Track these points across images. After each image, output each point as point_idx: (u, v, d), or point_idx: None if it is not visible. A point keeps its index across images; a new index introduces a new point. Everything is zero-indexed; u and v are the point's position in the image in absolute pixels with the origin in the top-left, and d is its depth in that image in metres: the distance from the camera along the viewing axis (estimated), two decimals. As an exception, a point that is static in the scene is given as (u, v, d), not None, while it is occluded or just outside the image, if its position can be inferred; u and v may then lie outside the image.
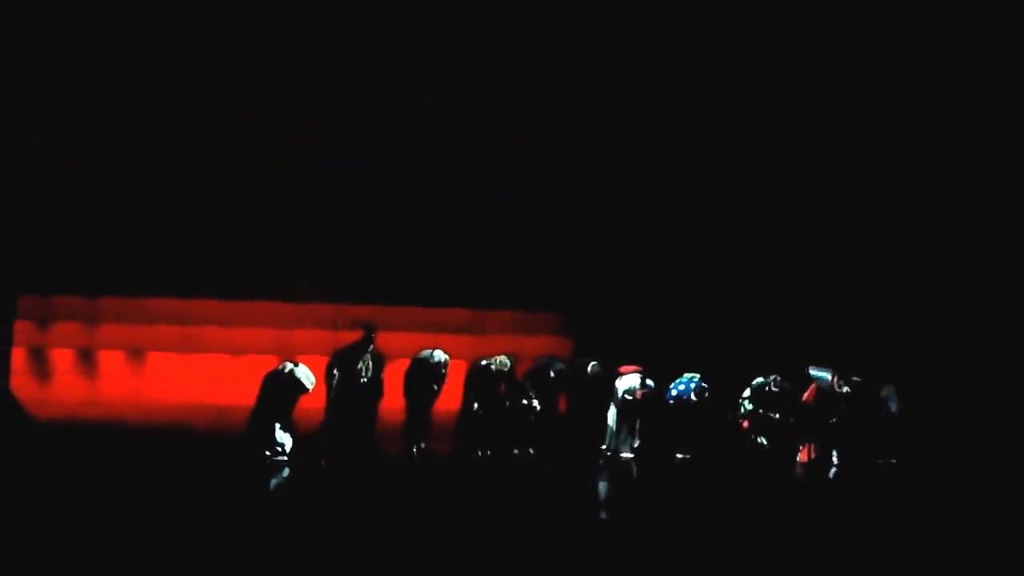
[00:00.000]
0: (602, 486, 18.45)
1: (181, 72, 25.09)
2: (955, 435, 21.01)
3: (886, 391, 20.02)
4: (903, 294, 24.62)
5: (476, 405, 18.91)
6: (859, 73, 25.16)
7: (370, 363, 18.37)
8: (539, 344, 23.54)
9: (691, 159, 25.75)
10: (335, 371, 18.35)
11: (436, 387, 18.64)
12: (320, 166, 25.79)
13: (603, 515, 16.30)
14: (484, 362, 19.07)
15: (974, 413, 21.73)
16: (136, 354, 25.32)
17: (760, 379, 19.82)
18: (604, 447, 19.69)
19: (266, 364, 19.32)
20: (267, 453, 17.56)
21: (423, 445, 18.69)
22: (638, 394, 19.46)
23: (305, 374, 17.69)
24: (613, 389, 19.61)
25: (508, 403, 19.05)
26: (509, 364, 19.04)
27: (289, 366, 17.86)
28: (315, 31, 24.97)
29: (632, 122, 26.14)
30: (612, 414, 19.68)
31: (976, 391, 22.32)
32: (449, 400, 19.11)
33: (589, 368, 19.70)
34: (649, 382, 19.60)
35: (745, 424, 19.74)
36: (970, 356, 23.27)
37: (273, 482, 16.72)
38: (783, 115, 25.37)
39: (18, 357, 22.69)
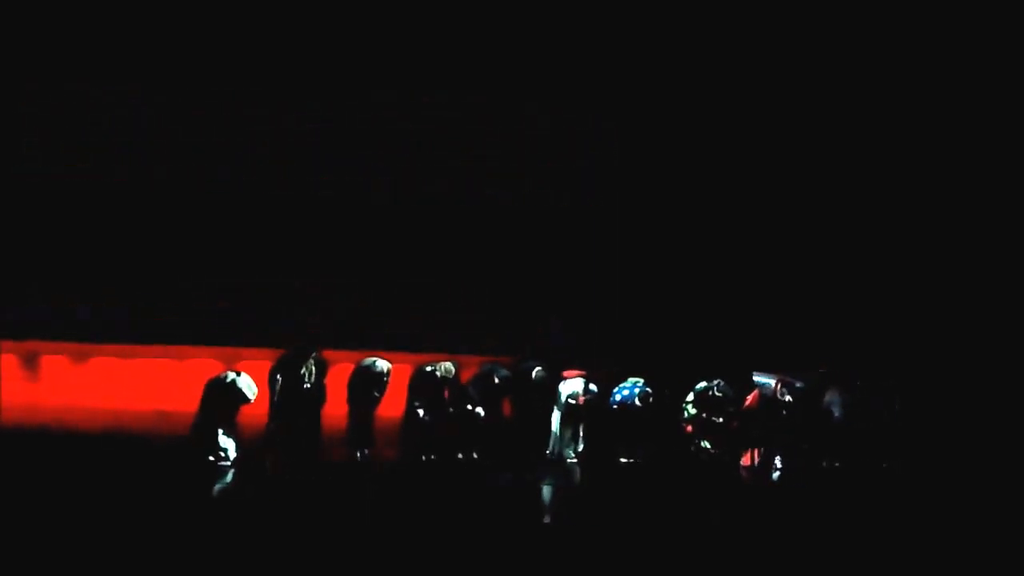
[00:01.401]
0: (546, 490, 18.37)
1: (181, 72, 25.21)
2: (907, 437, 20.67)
3: (829, 397, 19.80)
4: (914, 298, 24.29)
5: (421, 411, 18.88)
6: (859, 73, 24.79)
7: (313, 369, 18.44)
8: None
9: (691, 159, 25.52)
10: (278, 376, 18.43)
11: (378, 394, 18.68)
12: (320, 166, 25.82)
13: (547, 519, 16.24)
14: (428, 368, 19.07)
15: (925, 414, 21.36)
16: (80, 357, 25.49)
17: (703, 383, 19.68)
18: (548, 451, 19.63)
19: (210, 369, 19.43)
20: (211, 458, 17.64)
21: (367, 451, 18.73)
22: (581, 399, 19.42)
23: (247, 384, 17.79)
24: (557, 393, 19.55)
25: (452, 409, 19.04)
26: (453, 370, 19.04)
27: (231, 376, 17.96)
28: (315, 31, 25.02)
29: (632, 122, 25.91)
30: (556, 418, 19.62)
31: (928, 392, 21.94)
32: (393, 406, 19.11)
33: (533, 373, 19.66)
34: (592, 387, 19.57)
35: (689, 428, 19.67)
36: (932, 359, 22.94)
37: (217, 487, 16.80)
38: (782, 115, 25.06)
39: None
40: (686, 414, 19.65)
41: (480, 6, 25.00)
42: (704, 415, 19.51)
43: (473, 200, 26.05)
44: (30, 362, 25.28)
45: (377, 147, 25.89)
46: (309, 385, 18.41)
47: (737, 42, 24.90)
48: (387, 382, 18.72)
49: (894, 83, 24.55)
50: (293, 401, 18.38)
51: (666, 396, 19.69)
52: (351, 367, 19.04)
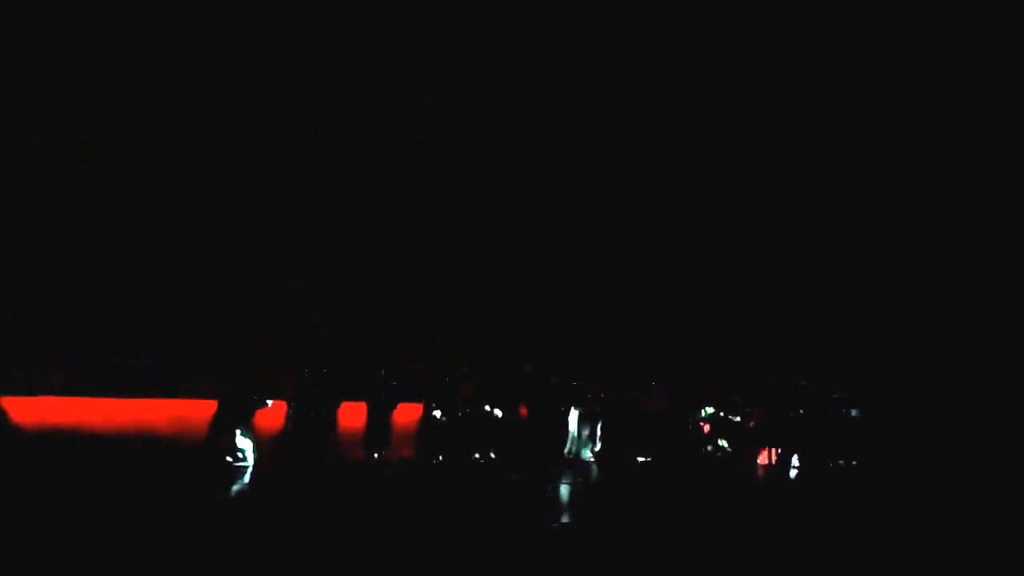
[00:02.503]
0: (563, 489, 18.42)
1: (181, 72, 25.11)
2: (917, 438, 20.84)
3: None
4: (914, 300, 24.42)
5: (437, 412, 18.92)
6: (861, 72, 24.91)
7: (330, 371, 18.51)
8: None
9: (692, 159, 25.58)
10: (295, 378, 18.48)
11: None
12: (320, 166, 25.76)
13: (564, 518, 16.28)
14: (444, 370, 19.14)
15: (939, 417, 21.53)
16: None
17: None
18: (566, 451, 19.73)
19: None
20: (228, 459, 17.67)
21: (383, 452, 18.76)
22: (598, 400, 19.59)
23: None
24: (574, 395, 19.70)
25: (468, 410, 19.09)
26: (470, 372, 19.15)
27: None
28: (315, 31, 24.96)
29: (632, 122, 25.97)
30: (573, 419, 19.71)
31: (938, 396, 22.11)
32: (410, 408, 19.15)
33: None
34: (608, 388, 19.72)
35: (706, 428, 19.80)
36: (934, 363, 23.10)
37: (235, 487, 16.80)
38: (783, 115, 25.16)
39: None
40: (703, 414, 19.78)
41: (480, 6, 24.96)
42: (721, 415, 19.65)
43: (473, 200, 26.03)
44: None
45: (377, 147, 25.82)
46: (326, 387, 18.41)
47: (737, 42, 24.95)
48: (405, 383, 18.74)
49: (896, 84, 24.62)
50: (310, 403, 18.38)
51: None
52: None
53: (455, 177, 26.07)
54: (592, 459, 19.84)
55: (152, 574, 11.05)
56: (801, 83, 24.95)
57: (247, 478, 17.28)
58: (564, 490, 17.82)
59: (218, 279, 25.05)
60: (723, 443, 19.72)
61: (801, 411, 19.51)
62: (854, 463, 19.79)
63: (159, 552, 11.63)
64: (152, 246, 25.08)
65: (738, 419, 19.68)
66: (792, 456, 19.76)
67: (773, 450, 19.77)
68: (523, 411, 19.84)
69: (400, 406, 18.96)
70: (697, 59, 25.16)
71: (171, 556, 11.52)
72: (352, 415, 18.85)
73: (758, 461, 19.92)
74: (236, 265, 25.08)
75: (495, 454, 19.24)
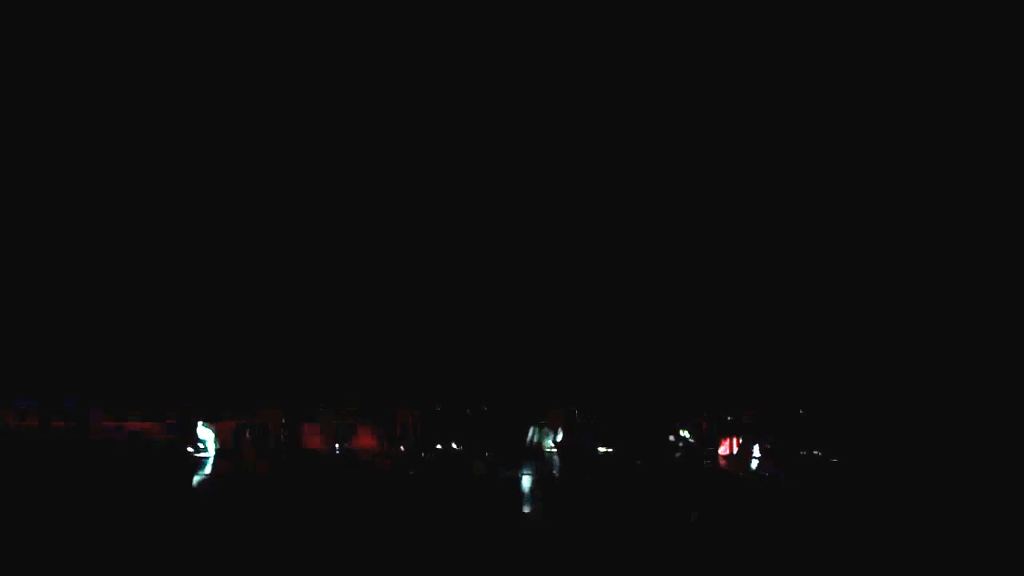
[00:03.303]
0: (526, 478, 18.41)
1: (181, 72, 25.24)
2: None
3: None
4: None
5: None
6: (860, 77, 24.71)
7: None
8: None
9: (692, 159, 25.45)
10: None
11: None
12: (320, 165, 25.81)
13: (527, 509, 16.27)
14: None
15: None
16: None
17: None
18: (527, 441, 19.75)
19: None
20: (189, 449, 17.81)
21: (346, 444, 18.89)
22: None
23: None
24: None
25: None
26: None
27: None
28: (315, 31, 25.05)
29: (632, 122, 25.85)
30: (535, 411, 19.80)
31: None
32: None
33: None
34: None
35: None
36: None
37: (197, 477, 16.91)
38: (783, 116, 24.99)
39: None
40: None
41: (480, 6, 24.95)
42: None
43: (473, 200, 25.99)
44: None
45: (377, 147, 25.85)
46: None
47: (737, 43, 24.80)
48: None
49: (897, 88, 24.37)
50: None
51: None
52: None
53: (455, 177, 26.03)
54: (553, 449, 19.81)
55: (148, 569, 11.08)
56: (800, 85, 24.75)
57: (208, 467, 17.37)
58: (527, 479, 17.81)
59: (215, 280, 25.12)
60: (685, 434, 19.64)
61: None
62: (816, 454, 19.65)
63: (121, 539, 11.66)
64: (150, 246, 25.20)
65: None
66: (754, 447, 19.66)
67: (734, 439, 19.67)
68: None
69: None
70: (697, 59, 25.03)
71: (134, 543, 11.55)
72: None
73: (719, 452, 19.82)
74: (235, 265, 25.16)
75: (459, 445, 19.30)
